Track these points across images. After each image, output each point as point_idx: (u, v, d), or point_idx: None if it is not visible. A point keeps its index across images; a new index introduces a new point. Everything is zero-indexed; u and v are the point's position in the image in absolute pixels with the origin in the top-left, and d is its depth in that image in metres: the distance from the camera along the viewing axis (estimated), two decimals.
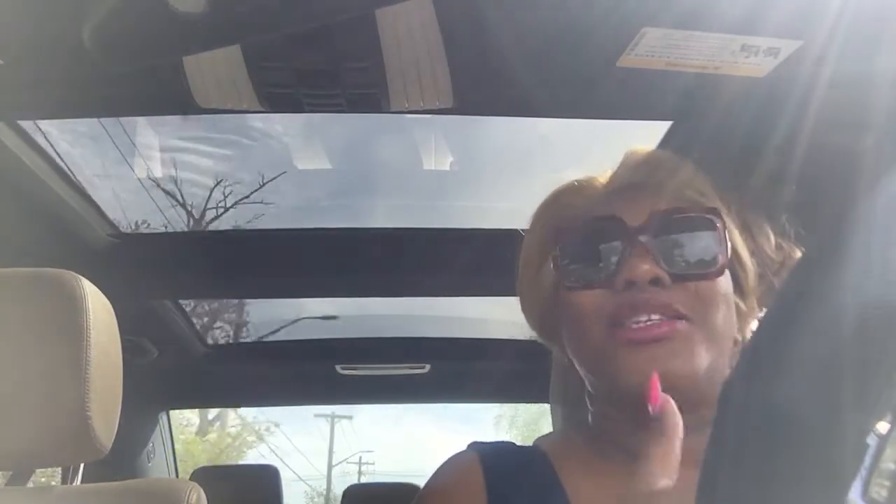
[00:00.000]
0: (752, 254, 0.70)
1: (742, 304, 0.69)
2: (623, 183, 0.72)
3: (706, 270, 0.65)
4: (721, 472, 0.30)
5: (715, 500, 0.30)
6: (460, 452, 0.75)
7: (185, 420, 15.24)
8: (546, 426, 1.34)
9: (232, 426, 17.13)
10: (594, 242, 0.68)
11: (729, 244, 0.66)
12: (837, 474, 0.26)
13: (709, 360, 0.63)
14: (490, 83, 0.96)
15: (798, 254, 0.70)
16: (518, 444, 0.78)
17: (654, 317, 0.63)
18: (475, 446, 0.75)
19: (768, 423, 0.28)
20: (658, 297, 0.63)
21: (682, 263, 0.65)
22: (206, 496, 0.98)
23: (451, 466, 0.74)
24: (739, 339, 0.68)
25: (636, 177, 0.71)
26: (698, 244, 0.66)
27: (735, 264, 0.68)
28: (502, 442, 0.78)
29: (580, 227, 0.69)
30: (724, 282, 0.66)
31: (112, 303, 0.94)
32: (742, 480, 0.28)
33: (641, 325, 0.63)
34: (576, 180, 0.76)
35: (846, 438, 0.26)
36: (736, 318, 0.68)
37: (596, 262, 0.67)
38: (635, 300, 0.63)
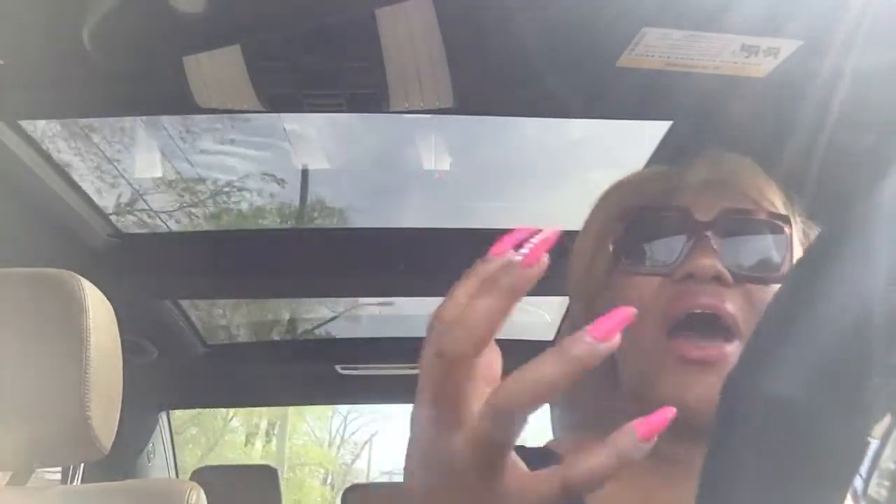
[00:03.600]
0: None
1: None
2: (692, 179, 0.70)
3: (768, 275, 0.63)
4: (720, 470, 0.29)
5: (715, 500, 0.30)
6: None
7: None
8: None
9: None
10: (658, 231, 0.66)
11: (794, 254, 0.65)
12: (836, 473, 0.26)
13: None
14: (490, 83, 0.96)
15: None
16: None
17: (708, 340, 0.61)
18: None
19: (769, 419, 0.28)
20: (716, 294, 0.62)
21: (745, 265, 0.63)
22: (206, 496, 0.98)
23: None
24: None
25: (705, 173, 0.69)
26: (764, 249, 0.65)
27: None
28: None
29: (645, 215, 0.68)
30: None
31: (112, 303, 0.94)
32: (740, 479, 0.28)
33: (694, 343, 0.61)
34: (649, 170, 0.75)
35: (846, 437, 0.26)
36: None
37: (657, 251, 0.66)
38: (691, 294, 0.62)
